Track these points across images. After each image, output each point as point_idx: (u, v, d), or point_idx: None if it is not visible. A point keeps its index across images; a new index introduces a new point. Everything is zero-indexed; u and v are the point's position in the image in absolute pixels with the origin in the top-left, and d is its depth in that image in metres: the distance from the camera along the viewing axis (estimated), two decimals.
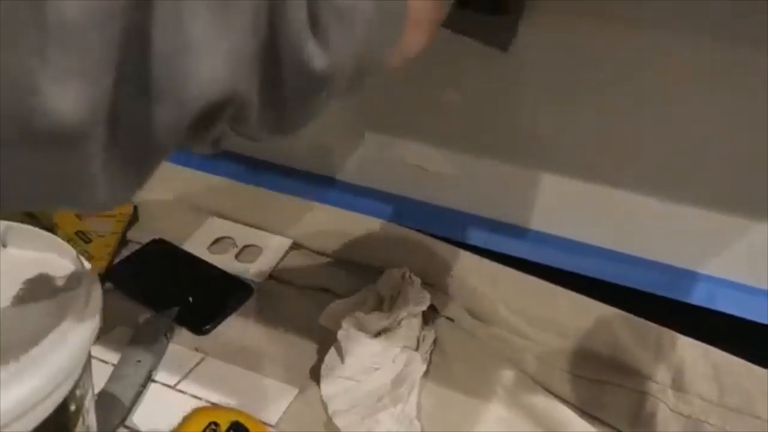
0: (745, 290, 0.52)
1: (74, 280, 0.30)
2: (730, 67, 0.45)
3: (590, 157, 0.53)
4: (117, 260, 0.58)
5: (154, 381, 0.45)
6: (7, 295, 0.29)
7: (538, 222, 0.57)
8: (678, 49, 0.46)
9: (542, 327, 0.50)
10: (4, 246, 0.33)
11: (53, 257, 0.32)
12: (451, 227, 0.58)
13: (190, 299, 0.52)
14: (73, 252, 0.32)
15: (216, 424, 0.37)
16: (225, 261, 0.58)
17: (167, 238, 0.60)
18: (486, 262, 0.54)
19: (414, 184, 0.61)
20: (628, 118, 0.50)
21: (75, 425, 0.29)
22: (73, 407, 0.29)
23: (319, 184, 0.64)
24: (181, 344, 0.49)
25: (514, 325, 0.51)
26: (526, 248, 0.56)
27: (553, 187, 0.55)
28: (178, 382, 0.45)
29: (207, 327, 0.50)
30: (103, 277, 0.55)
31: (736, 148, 0.48)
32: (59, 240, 0.33)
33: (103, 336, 0.47)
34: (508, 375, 0.47)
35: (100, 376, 0.43)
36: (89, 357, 0.31)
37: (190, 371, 0.46)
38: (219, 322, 0.51)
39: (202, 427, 0.37)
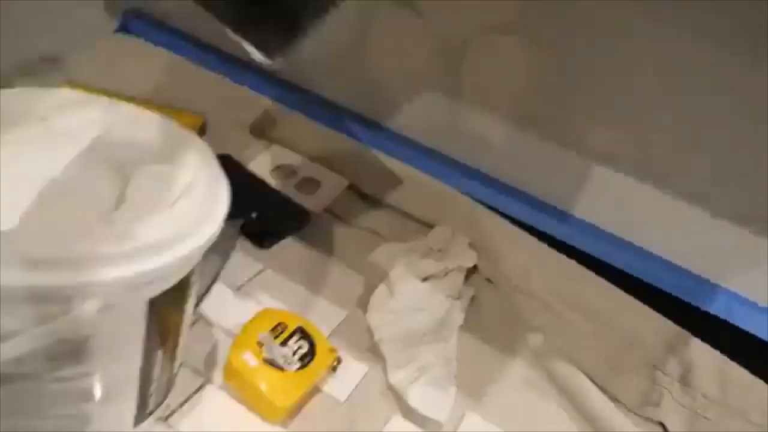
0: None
1: (210, 171, 0.34)
2: None
3: (648, 158, 0.56)
4: None
5: (220, 281, 0.49)
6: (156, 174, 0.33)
7: (583, 210, 0.61)
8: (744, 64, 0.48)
9: (571, 306, 0.54)
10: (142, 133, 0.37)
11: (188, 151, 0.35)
12: (502, 200, 0.62)
13: (253, 215, 0.56)
14: (205, 147, 0.35)
15: (284, 325, 0.41)
16: (284, 188, 0.62)
17: (232, 155, 0.63)
18: (527, 237, 0.58)
19: (476, 153, 0.64)
20: (689, 125, 0.53)
21: (189, 296, 0.33)
22: (192, 279, 0.33)
23: (387, 137, 0.68)
24: (243, 253, 0.53)
25: (545, 299, 0.55)
26: (568, 232, 0.60)
27: (606, 179, 0.58)
28: (241, 286, 0.49)
29: (268, 242, 0.54)
30: None
31: None
32: (193, 136, 0.36)
33: None
34: (536, 339, 0.51)
35: None
36: None
37: (251, 279, 0.50)
38: (278, 241, 0.55)
39: (272, 325, 0.41)
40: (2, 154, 0.33)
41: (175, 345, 0.35)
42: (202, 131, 0.67)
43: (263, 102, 0.69)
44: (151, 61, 0.73)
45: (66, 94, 0.36)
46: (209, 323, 0.45)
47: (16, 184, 0.31)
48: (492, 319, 0.53)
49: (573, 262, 0.57)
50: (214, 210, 0.32)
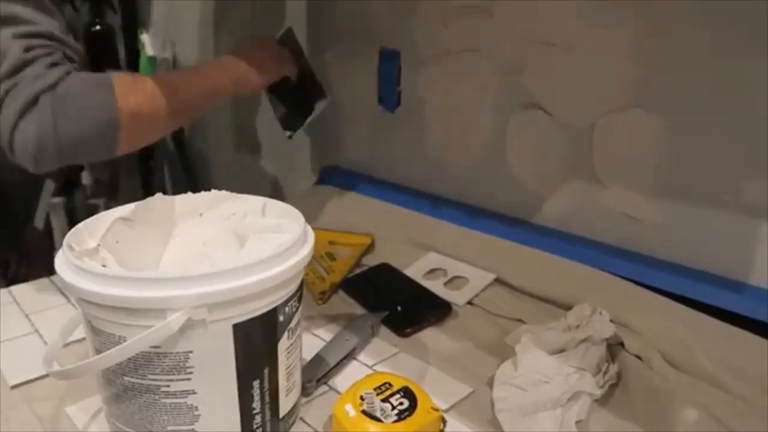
0: None
1: (301, 231, 0.41)
2: None
3: None
4: (351, 275, 0.70)
5: (356, 359, 0.53)
6: (264, 237, 0.41)
7: (756, 276, 0.52)
8: None
9: (747, 381, 0.46)
10: (263, 215, 0.47)
11: (291, 222, 0.44)
12: (655, 275, 0.57)
13: (399, 308, 0.60)
14: (302, 217, 0.43)
15: (390, 384, 0.43)
16: (435, 286, 0.66)
17: (393, 264, 0.70)
18: (687, 309, 0.52)
19: (621, 232, 0.61)
20: None
21: (281, 336, 0.39)
22: (281, 318, 0.38)
23: (529, 230, 0.69)
24: (384, 340, 0.57)
25: (713, 375, 0.47)
26: (741, 302, 0.51)
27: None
28: (375, 364, 0.53)
29: (407, 330, 0.58)
30: (338, 285, 0.67)
31: None
32: (296, 210, 0.44)
33: (326, 324, 0.58)
34: (693, 420, 0.44)
35: (317, 347, 0.53)
36: (302, 286, 0.41)
37: (385, 359, 0.54)
38: (418, 330, 0.58)
39: (377, 384, 0.43)
40: (171, 239, 0.45)
41: (275, 390, 0.40)
42: (372, 247, 0.76)
43: (421, 218, 0.77)
44: (339, 200, 0.87)
45: (216, 194, 0.47)
46: (338, 393, 0.49)
47: (173, 253, 0.43)
48: (640, 398, 0.47)
49: (745, 332, 0.48)
50: (288, 260, 0.38)
